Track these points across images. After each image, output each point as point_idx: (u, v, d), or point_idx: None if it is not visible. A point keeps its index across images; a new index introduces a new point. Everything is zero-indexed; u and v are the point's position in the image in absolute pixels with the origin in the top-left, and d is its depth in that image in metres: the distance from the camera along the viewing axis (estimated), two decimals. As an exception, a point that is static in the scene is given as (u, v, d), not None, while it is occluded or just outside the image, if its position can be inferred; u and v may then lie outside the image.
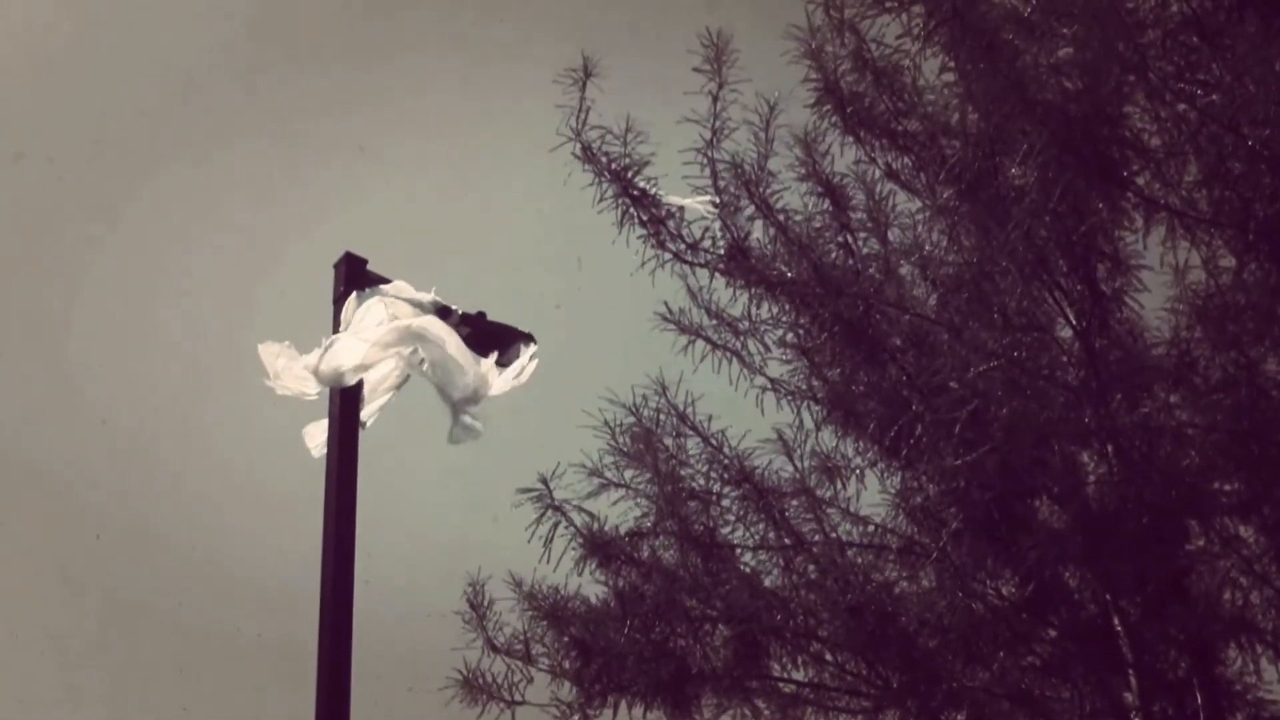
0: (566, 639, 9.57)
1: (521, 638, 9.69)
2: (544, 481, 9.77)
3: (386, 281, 8.77)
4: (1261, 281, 8.35)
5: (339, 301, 8.73)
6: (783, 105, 9.57)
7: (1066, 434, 8.32)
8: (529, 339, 8.99)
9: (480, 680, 9.61)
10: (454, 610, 9.81)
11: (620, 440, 9.93)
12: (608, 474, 9.90)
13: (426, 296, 8.76)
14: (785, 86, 9.56)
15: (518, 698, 9.66)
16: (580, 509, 9.79)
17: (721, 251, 9.65)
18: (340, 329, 8.54)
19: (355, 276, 8.78)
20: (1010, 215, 8.54)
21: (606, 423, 9.93)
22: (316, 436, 8.49)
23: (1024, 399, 8.24)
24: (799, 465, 9.69)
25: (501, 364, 8.93)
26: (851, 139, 9.64)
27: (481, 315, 8.95)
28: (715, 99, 9.57)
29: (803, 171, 9.71)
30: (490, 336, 9.00)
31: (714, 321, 9.88)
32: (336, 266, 8.84)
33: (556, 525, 9.72)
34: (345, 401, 8.42)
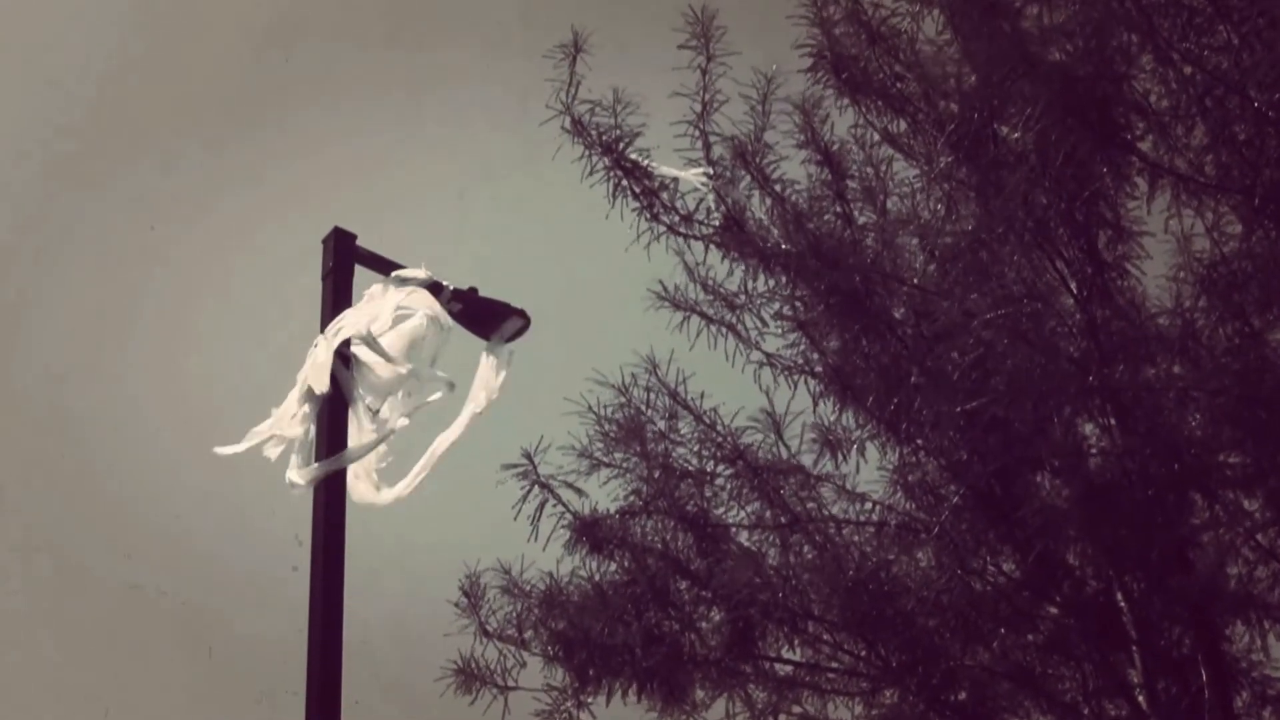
0: (551, 632, 9.40)
1: (514, 622, 9.53)
2: (528, 456, 9.56)
3: (377, 257, 8.64)
4: (1269, 249, 8.21)
5: (328, 277, 8.58)
6: (782, 71, 9.45)
7: (1067, 390, 8.15)
8: (522, 315, 8.85)
9: (474, 667, 9.44)
10: (447, 599, 9.66)
11: (608, 426, 9.75)
12: (597, 454, 9.74)
13: (419, 273, 8.62)
14: (778, 54, 9.46)
15: (511, 683, 9.48)
16: (568, 484, 9.61)
17: (717, 224, 9.51)
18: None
19: (344, 252, 8.63)
20: (1009, 181, 8.41)
21: (591, 408, 9.77)
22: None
23: (1026, 351, 8.07)
24: (786, 445, 9.54)
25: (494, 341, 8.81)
26: (848, 102, 9.51)
27: (473, 291, 8.81)
28: (704, 72, 9.44)
29: (800, 139, 9.58)
30: (483, 313, 8.85)
31: (709, 296, 9.73)
32: (325, 242, 8.68)
33: (544, 503, 9.53)
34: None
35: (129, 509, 16.30)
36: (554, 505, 9.54)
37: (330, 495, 7.97)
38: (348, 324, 8.26)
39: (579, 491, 9.59)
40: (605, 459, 9.72)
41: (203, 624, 15.16)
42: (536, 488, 9.51)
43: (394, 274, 8.60)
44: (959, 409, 8.23)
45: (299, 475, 8.01)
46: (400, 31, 18.49)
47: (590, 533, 9.53)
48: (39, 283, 18.03)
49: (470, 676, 9.44)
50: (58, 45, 18.36)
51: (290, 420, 8.18)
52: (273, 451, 8.24)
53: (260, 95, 18.26)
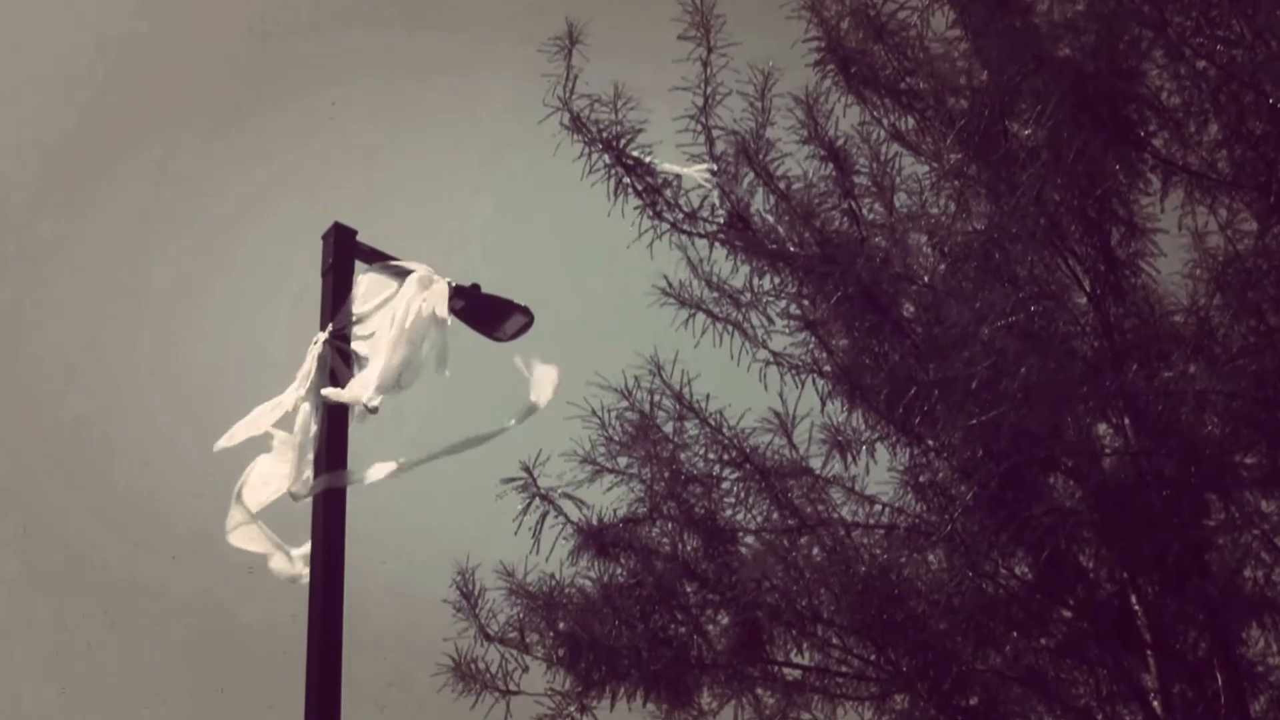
0: (555, 633, 9.27)
1: (516, 625, 9.39)
2: (527, 470, 9.44)
3: (377, 253, 8.56)
4: (1284, 246, 8.11)
5: (328, 273, 8.51)
6: (781, 67, 9.33)
7: (1083, 397, 8.04)
8: (525, 311, 8.76)
9: (473, 669, 9.31)
10: (443, 599, 9.53)
11: (612, 429, 9.62)
12: (600, 459, 9.60)
13: (420, 268, 8.53)
14: (781, 46, 9.33)
15: (512, 687, 9.35)
16: (569, 496, 9.48)
17: (721, 221, 9.37)
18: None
19: (344, 248, 8.56)
20: (1021, 178, 8.29)
21: (594, 412, 9.63)
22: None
23: (1039, 360, 7.95)
24: (795, 447, 9.39)
25: (498, 338, 8.73)
26: (854, 99, 9.39)
27: (475, 287, 8.72)
28: (705, 65, 9.32)
29: (804, 134, 9.43)
30: (485, 309, 8.77)
31: (714, 294, 9.60)
32: (325, 238, 8.61)
33: (545, 515, 9.41)
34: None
35: (130, 502, 16.28)
36: (555, 516, 9.43)
37: (330, 495, 7.90)
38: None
39: (580, 503, 9.47)
40: (609, 465, 9.58)
41: (205, 621, 15.16)
42: (537, 500, 9.40)
43: (378, 264, 8.52)
44: (973, 422, 8.09)
45: (298, 487, 7.92)
46: (403, 20, 18.45)
47: (596, 540, 9.41)
48: (41, 276, 17.99)
49: (468, 676, 9.30)
50: (56, 35, 18.32)
51: (270, 421, 8.12)
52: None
53: (260, 89, 18.21)
